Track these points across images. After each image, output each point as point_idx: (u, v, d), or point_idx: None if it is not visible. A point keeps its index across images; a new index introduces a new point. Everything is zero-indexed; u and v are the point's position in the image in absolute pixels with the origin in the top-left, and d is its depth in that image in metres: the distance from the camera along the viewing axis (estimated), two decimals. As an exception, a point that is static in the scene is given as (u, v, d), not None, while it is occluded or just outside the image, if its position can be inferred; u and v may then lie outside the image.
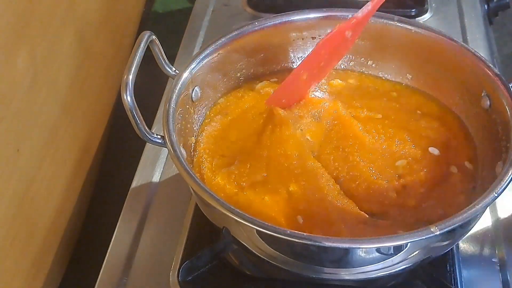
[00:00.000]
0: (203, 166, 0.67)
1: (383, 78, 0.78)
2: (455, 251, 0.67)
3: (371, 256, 0.55)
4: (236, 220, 0.53)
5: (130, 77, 0.57)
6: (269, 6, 1.05)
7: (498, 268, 0.67)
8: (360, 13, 0.67)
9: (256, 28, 0.73)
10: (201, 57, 0.68)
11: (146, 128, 0.59)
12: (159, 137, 0.60)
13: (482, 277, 0.66)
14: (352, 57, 0.78)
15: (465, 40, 0.97)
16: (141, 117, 0.59)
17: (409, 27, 0.73)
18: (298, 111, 0.71)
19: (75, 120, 0.80)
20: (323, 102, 0.72)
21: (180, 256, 0.68)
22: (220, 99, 0.75)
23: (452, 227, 0.52)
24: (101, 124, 0.92)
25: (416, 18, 1.01)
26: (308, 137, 0.69)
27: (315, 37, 0.77)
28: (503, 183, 0.55)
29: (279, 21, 0.74)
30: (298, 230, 0.53)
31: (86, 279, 0.69)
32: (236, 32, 0.72)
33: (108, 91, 0.94)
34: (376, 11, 0.72)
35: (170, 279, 0.66)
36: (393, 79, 0.77)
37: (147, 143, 0.70)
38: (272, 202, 0.62)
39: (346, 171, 0.66)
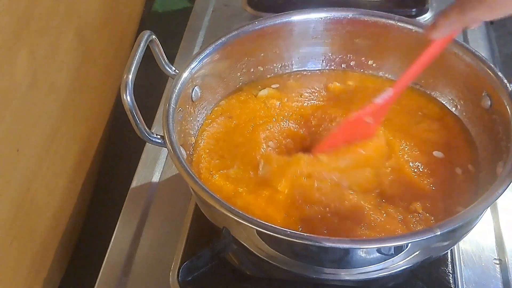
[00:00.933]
0: (201, 165, 0.67)
1: (384, 77, 0.78)
2: (455, 251, 0.67)
3: (371, 256, 0.55)
4: (236, 220, 0.53)
5: (130, 77, 0.57)
6: (269, 6, 1.05)
7: (499, 268, 0.67)
8: (380, 99, 0.65)
9: (256, 28, 0.73)
10: (201, 57, 0.68)
11: (146, 128, 0.59)
12: (159, 137, 0.60)
13: (483, 277, 0.66)
14: (353, 57, 0.78)
15: (465, 40, 0.97)
16: (141, 117, 0.59)
17: (410, 27, 0.73)
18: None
19: (75, 120, 0.80)
20: None
21: (180, 256, 0.68)
22: (222, 101, 0.75)
23: (453, 227, 0.52)
24: (101, 124, 0.92)
25: (417, 18, 1.01)
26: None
27: (315, 37, 0.77)
28: (504, 183, 0.55)
29: (279, 21, 0.74)
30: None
31: (86, 279, 0.69)
32: (236, 32, 0.72)
33: (108, 91, 0.94)
34: (376, 11, 0.72)
35: (170, 279, 0.66)
36: (394, 79, 0.77)
37: (147, 143, 0.70)
38: (269, 206, 0.62)
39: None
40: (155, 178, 0.78)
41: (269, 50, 0.76)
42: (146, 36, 0.62)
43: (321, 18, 0.75)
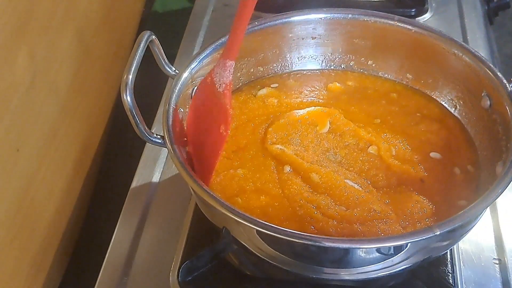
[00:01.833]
0: None
1: (383, 77, 0.78)
2: (455, 251, 0.67)
3: (371, 256, 0.55)
4: (236, 220, 0.53)
5: (130, 77, 0.57)
6: (269, 6, 1.04)
7: (498, 268, 0.67)
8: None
9: (256, 28, 0.73)
10: (201, 57, 0.68)
11: (146, 128, 0.59)
12: (159, 137, 0.60)
13: (482, 277, 0.66)
14: (352, 57, 0.78)
15: (465, 40, 0.97)
16: (141, 117, 0.59)
17: (409, 27, 0.73)
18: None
19: (75, 120, 0.80)
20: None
21: (180, 256, 0.68)
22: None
23: (453, 227, 0.53)
24: (101, 124, 0.92)
25: (416, 18, 1.01)
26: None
27: (315, 37, 0.77)
28: (503, 183, 0.55)
29: (279, 21, 0.74)
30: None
31: (86, 279, 0.69)
32: (236, 32, 0.72)
33: (108, 91, 0.94)
34: (377, 11, 0.72)
35: (170, 279, 0.66)
36: (393, 79, 0.77)
37: (147, 143, 0.70)
38: (271, 208, 0.62)
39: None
40: (155, 178, 0.78)
41: (269, 50, 0.76)
42: (146, 36, 0.62)
43: (321, 18, 0.75)
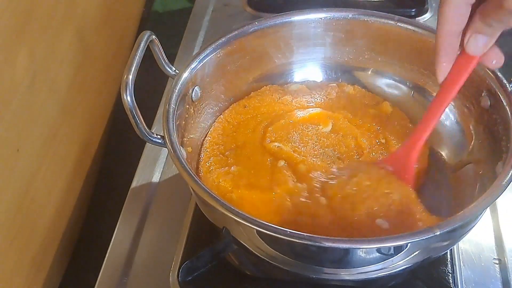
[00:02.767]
0: (201, 162, 0.68)
1: (383, 78, 0.78)
2: (455, 251, 0.67)
3: (371, 256, 0.55)
4: (236, 220, 0.53)
5: (130, 77, 0.57)
6: (269, 6, 1.05)
7: (498, 268, 0.67)
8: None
9: (256, 28, 0.73)
10: (201, 57, 0.68)
11: (146, 128, 0.59)
12: (159, 137, 0.60)
13: (482, 277, 0.66)
14: (352, 57, 0.78)
15: (465, 40, 0.97)
16: (141, 117, 0.59)
17: (409, 27, 0.73)
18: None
19: (75, 120, 0.80)
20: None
21: (180, 256, 0.68)
22: (223, 102, 0.75)
23: (452, 227, 0.52)
24: (101, 124, 0.92)
25: (416, 18, 1.01)
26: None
27: (315, 37, 0.77)
28: (503, 183, 0.55)
29: (279, 21, 0.74)
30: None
31: (86, 279, 0.69)
32: (236, 32, 0.72)
33: (108, 91, 0.94)
34: (377, 11, 0.72)
35: (170, 279, 0.66)
36: (394, 79, 0.77)
37: (147, 143, 0.70)
38: (264, 204, 0.63)
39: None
40: (155, 178, 0.78)
41: (269, 50, 0.76)
42: (146, 36, 0.62)
43: (321, 18, 0.75)
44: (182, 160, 0.58)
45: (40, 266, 0.71)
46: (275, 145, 0.69)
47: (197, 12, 1.07)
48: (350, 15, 0.74)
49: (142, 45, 0.61)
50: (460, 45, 0.53)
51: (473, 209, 0.54)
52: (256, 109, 0.75)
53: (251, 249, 0.58)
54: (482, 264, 0.67)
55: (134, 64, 0.58)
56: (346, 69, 0.79)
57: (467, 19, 0.51)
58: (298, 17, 0.75)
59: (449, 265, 0.65)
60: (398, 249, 0.54)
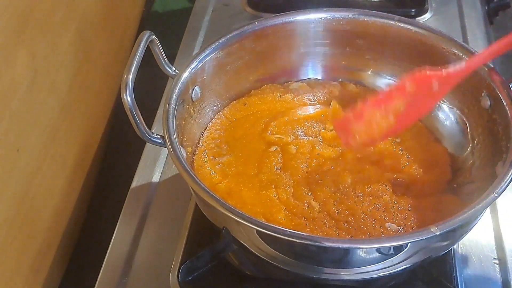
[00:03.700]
0: (196, 156, 0.69)
1: (384, 78, 0.78)
2: (455, 251, 0.67)
3: (371, 256, 0.55)
4: (236, 220, 0.53)
5: (130, 77, 0.57)
6: (269, 6, 1.05)
7: (498, 268, 0.67)
8: (453, 69, 0.62)
9: (256, 28, 0.73)
10: (201, 57, 0.69)
11: (146, 128, 0.59)
12: (159, 137, 0.60)
13: (482, 277, 0.66)
14: (352, 57, 0.78)
15: (465, 40, 0.97)
16: (141, 117, 0.59)
17: (409, 27, 0.73)
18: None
19: (75, 120, 0.80)
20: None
21: (180, 256, 0.68)
22: (223, 101, 0.75)
23: (452, 227, 0.52)
24: (101, 124, 0.92)
25: (416, 18, 1.01)
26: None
27: (315, 37, 0.77)
28: (503, 183, 0.55)
29: (279, 21, 0.74)
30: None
31: (86, 279, 0.69)
32: (236, 32, 0.72)
33: (108, 91, 0.94)
34: (377, 11, 0.72)
35: (170, 279, 0.66)
36: (394, 79, 0.77)
37: (147, 143, 0.70)
38: (252, 195, 0.64)
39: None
40: (155, 178, 0.78)
41: (269, 50, 0.76)
42: (146, 36, 0.62)
43: (321, 19, 0.75)
44: (182, 160, 0.58)
45: (40, 266, 0.71)
46: (276, 136, 0.70)
47: (197, 12, 1.07)
48: (350, 15, 0.74)
49: (142, 45, 0.61)
50: None
51: (473, 209, 0.54)
52: (256, 106, 0.75)
53: (251, 249, 0.58)
54: (482, 264, 0.67)
55: (134, 64, 0.59)
56: (346, 69, 0.79)
57: None
58: (298, 17, 0.75)
59: (449, 265, 0.65)
60: (398, 249, 0.54)
